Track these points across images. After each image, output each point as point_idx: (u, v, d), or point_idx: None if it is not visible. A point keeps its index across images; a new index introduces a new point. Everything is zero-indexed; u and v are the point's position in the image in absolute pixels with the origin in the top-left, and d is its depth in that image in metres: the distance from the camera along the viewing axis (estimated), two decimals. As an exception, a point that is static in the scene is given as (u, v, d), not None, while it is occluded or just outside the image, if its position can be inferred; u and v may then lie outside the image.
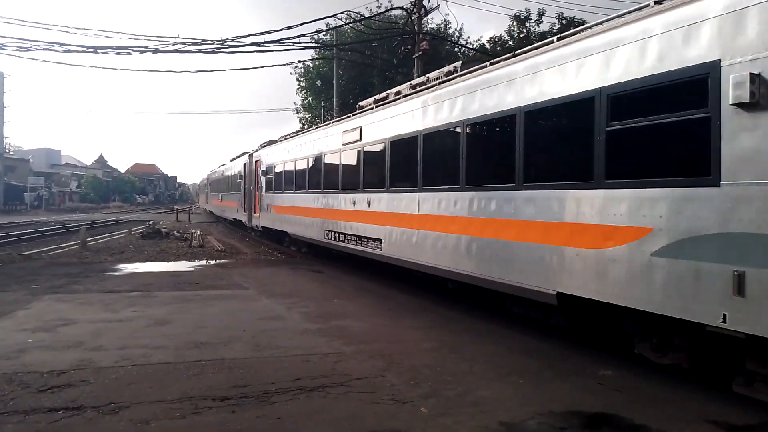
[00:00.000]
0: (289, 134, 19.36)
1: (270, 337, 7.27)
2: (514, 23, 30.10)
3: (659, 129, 5.23)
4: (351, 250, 12.20)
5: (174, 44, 19.10)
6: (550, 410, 4.84)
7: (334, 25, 28.12)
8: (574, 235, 6.17)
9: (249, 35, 28.80)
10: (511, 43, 28.47)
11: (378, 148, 11.23)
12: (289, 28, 19.73)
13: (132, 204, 78.76)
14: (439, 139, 9.21)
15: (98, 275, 12.69)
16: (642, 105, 5.46)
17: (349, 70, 32.23)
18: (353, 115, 13.15)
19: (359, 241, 11.68)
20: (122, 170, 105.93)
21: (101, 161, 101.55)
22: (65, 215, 45.88)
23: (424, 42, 20.42)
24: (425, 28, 23.96)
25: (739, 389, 5.10)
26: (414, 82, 11.50)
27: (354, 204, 11.98)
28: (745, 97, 4.43)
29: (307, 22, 25.70)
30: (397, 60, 29.55)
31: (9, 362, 5.93)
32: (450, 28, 33.11)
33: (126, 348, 6.56)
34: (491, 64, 8.25)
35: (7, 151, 72.97)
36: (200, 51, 19.66)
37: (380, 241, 10.70)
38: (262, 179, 20.68)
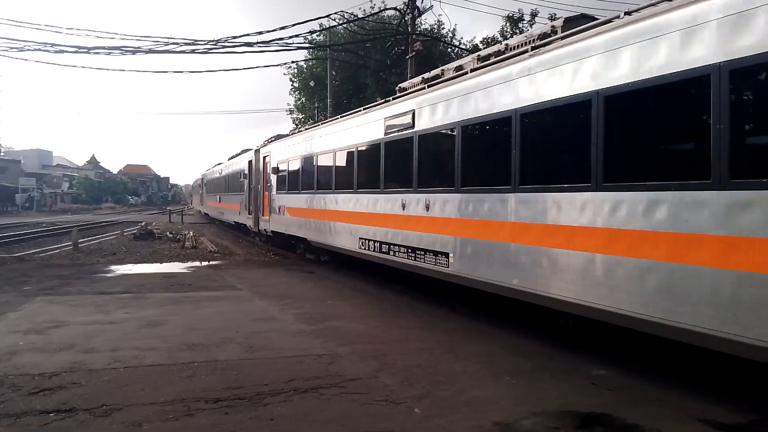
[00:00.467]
0: (306, 125, 17.78)
1: (263, 338, 7.25)
2: (507, 24, 30.19)
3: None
4: (399, 265, 10.02)
5: (167, 44, 19.04)
6: (543, 410, 4.85)
7: (327, 26, 28.12)
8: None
9: (242, 36, 28.79)
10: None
11: (443, 134, 8.99)
12: (283, 28, 19.81)
13: (124, 205, 78.33)
14: (556, 118, 6.78)
15: (90, 277, 12.62)
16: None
17: (343, 70, 32.22)
18: (399, 97, 11.01)
19: (411, 254, 9.54)
20: (114, 171, 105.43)
21: (93, 162, 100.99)
22: (57, 216, 45.61)
23: (418, 42, 20.43)
24: (418, 29, 23.96)
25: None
26: (489, 50, 9.20)
27: (404, 207, 9.73)
28: None
29: (300, 23, 25.84)
30: (390, 61, 29.56)
31: (0, 365, 5.88)
32: (443, 28, 33.17)
33: (118, 350, 6.53)
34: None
35: (-2, 152, 72.58)
36: (193, 51, 19.61)
37: (446, 255, 8.56)
38: (273, 178, 18.13)
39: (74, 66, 58.69)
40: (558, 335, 7.48)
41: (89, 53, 18.53)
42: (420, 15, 21.20)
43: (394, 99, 11.12)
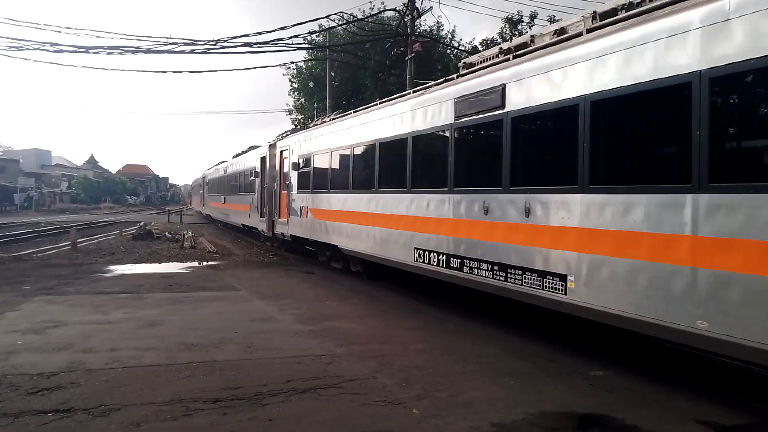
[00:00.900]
0: (336, 114, 14.96)
1: (262, 338, 7.25)
2: (507, 25, 30.20)
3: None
4: (476, 284, 7.99)
5: (166, 44, 19.03)
6: (541, 411, 4.86)
7: (327, 27, 28.12)
8: None
9: (241, 36, 28.81)
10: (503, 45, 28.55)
11: (556, 114, 6.77)
12: (282, 29, 19.74)
13: (123, 205, 78.28)
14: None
15: (89, 277, 12.61)
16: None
17: (342, 71, 32.22)
18: (467, 74, 8.88)
19: (498, 273, 7.46)
20: (113, 171, 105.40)
21: (92, 162, 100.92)
22: (56, 216, 45.56)
23: (417, 44, 20.44)
24: (418, 30, 23.98)
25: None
26: (605, 8, 6.92)
27: (486, 212, 7.66)
28: None
29: (299, 23, 25.91)
30: (389, 61, 29.57)
31: (-2, 364, 5.88)
32: (443, 30, 33.18)
33: (116, 350, 6.52)
34: None
35: (-4, 151, 72.52)
36: (192, 51, 19.58)
37: (560, 278, 6.47)
38: (293, 175, 15.87)
39: (73, 65, 58.82)
40: (557, 336, 7.49)
41: (88, 53, 18.52)
42: (419, 16, 21.21)
43: (460, 76, 9.06)
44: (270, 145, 18.92)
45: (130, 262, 15.55)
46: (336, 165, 13.28)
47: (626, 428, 4.60)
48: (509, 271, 7.29)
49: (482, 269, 7.81)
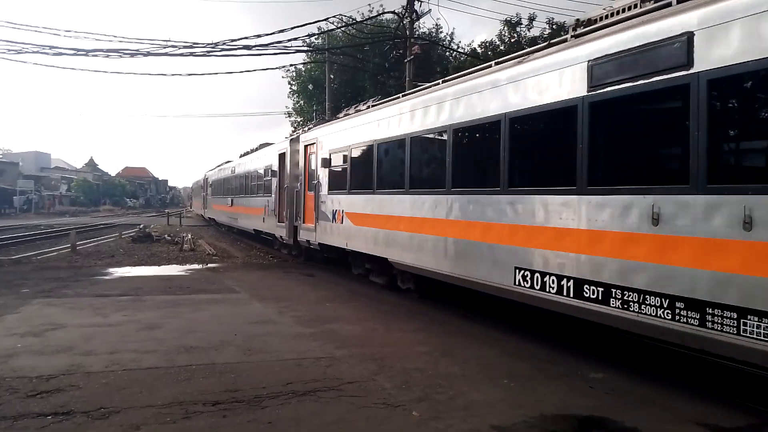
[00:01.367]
0: (380, 100, 12.58)
1: (261, 341, 7.25)
2: (505, 28, 30.24)
3: None
4: (637, 327, 5.59)
5: (165, 47, 19.09)
6: (541, 413, 4.85)
7: (326, 29, 28.16)
8: None
9: (241, 38, 28.84)
10: (502, 48, 28.60)
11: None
12: (281, 31, 19.74)
13: (123, 207, 78.20)
14: None
15: (88, 279, 12.60)
16: None
17: (341, 73, 32.29)
18: (594, 29, 6.57)
19: (686, 314, 5.05)
20: (113, 174, 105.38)
21: (91, 164, 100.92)
22: (55, 219, 45.55)
23: (416, 46, 20.48)
24: (417, 33, 24.02)
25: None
26: None
27: (656, 222, 5.33)
28: None
29: (299, 26, 26.14)
30: (388, 64, 29.65)
31: (-3, 367, 5.87)
32: (441, 32, 33.26)
33: (116, 352, 6.52)
34: None
35: (-4, 154, 72.49)
36: (192, 54, 19.64)
37: None
38: (322, 173, 13.64)
39: (73, 68, 59.08)
40: (557, 338, 7.48)
41: (88, 56, 18.61)
42: (418, 19, 21.26)
43: (579, 36, 6.71)
44: (291, 140, 16.53)
45: (130, 265, 15.54)
46: (385, 160, 10.88)
47: (626, 430, 4.59)
48: (710, 314, 4.82)
49: (650, 306, 5.33)
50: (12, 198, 58.06)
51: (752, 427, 4.77)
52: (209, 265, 15.98)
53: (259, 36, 19.55)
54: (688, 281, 5.00)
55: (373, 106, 12.21)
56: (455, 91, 8.59)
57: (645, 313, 5.40)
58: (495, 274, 7.46)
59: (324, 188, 13.60)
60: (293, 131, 34.88)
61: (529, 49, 7.98)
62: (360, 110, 12.89)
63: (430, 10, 20.79)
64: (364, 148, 11.67)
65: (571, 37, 6.87)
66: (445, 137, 8.70)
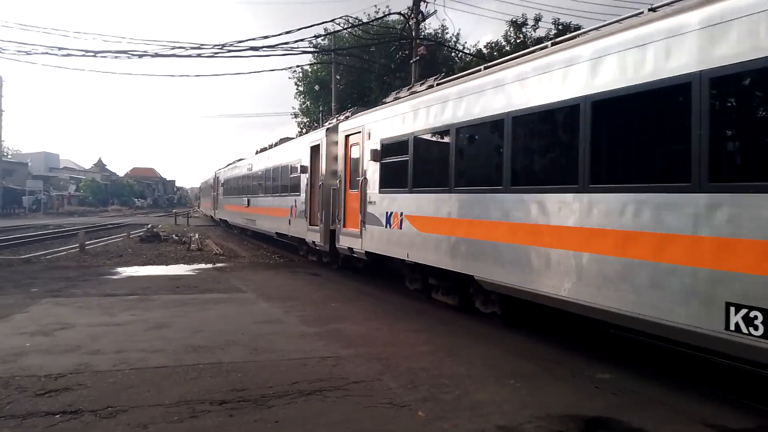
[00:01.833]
0: (441, 79, 10.44)
1: (268, 340, 7.27)
2: (511, 28, 30.19)
3: None
4: None
5: (173, 48, 19.27)
6: (547, 413, 4.85)
7: (332, 30, 28.22)
8: None
9: (248, 40, 28.95)
10: (507, 48, 28.56)
11: None
12: (288, 32, 19.79)
13: (131, 208, 78.63)
14: None
15: (96, 279, 12.68)
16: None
17: (347, 74, 32.35)
18: None
19: None
20: (121, 174, 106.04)
21: (100, 165, 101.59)
22: (64, 219, 45.84)
23: (422, 47, 20.50)
24: (423, 34, 24.03)
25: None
26: None
27: None
28: None
29: (305, 27, 25.92)
30: (394, 65, 29.67)
31: (6, 366, 5.92)
32: (447, 33, 33.25)
33: (124, 352, 6.56)
34: None
35: (5, 154, 73.11)
36: (199, 55, 19.78)
37: None
38: (371, 168, 11.47)
39: (81, 69, 59.34)
40: (563, 338, 7.47)
41: (96, 57, 18.78)
42: (424, 20, 21.30)
43: None
44: (328, 129, 14.29)
45: (138, 265, 15.63)
46: (468, 150, 8.62)
47: (633, 431, 4.58)
48: None
49: None
50: (21, 198, 58.46)
51: (760, 428, 4.74)
52: (216, 264, 16.04)
53: (265, 37, 19.65)
54: None
55: (444, 82, 9.91)
56: (596, 50, 6.19)
57: None
58: (681, 313, 5.10)
59: (373, 186, 11.37)
60: (300, 131, 34.92)
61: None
62: (416, 92, 10.75)
63: (436, 11, 20.84)
64: (435, 135, 9.39)
65: None
66: (578, 115, 6.31)
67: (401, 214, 10.19)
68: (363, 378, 5.73)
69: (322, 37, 29.57)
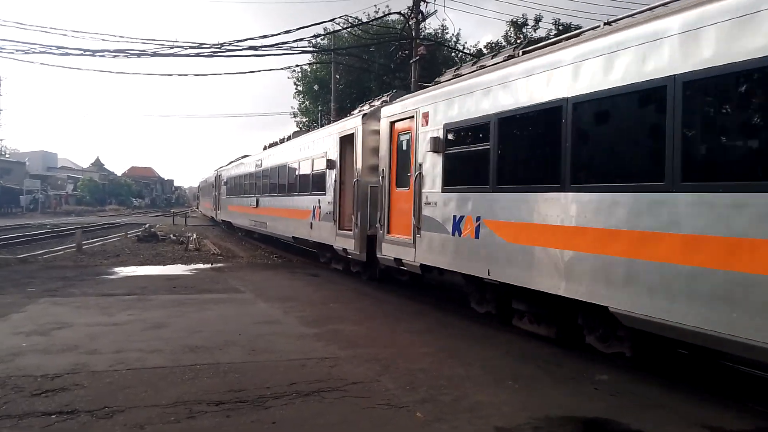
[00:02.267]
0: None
1: (266, 341, 7.25)
2: (511, 29, 30.23)
3: None
4: None
5: (172, 48, 19.15)
6: (546, 415, 4.83)
7: (331, 30, 28.22)
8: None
9: (247, 39, 28.94)
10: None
11: None
12: (287, 32, 19.75)
13: (128, 207, 78.46)
14: None
15: (94, 278, 12.64)
16: None
17: (347, 74, 32.32)
18: None
19: None
20: (119, 173, 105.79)
21: (98, 164, 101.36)
22: (61, 218, 45.74)
23: (422, 47, 20.47)
24: (422, 33, 24.01)
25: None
26: None
27: None
28: None
29: (304, 27, 25.96)
30: (394, 65, 29.66)
31: (2, 365, 5.89)
32: (447, 33, 33.25)
33: (121, 352, 6.53)
34: None
35: (3, 153, 72.98)
36: (198, 55, 19.71)
37: None
38: (429, 160, 9.26)
39: (79, 68, 59.09)
40: (563, 340, 7.45)
41: (94, 56, 18.70)
42: (424, 19, 21.26)
43: None
44: (365, 116, 12.01)
45: (135, 264, 15.59)
46: (594, 134, 6.55)
47: (632, 433, 4.56)
48: None
49: None
50: (18, 197, 58.31)
51: (758, 430, 4.73)
52: (214, 264, 16.01)
53: (265, 36, 19.65)
54: None
55: (535, 48, 7.94)
56: None
57: None
58: None
59: (433, 183, 9.09)
60: (299, 131, 34.82)
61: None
62: (485, 66, 8.76)
63: (436, 11, 20.74)
64: (536, 115, 7.08)
65: None
66: None
67: (477, 219, 7.96)
68: (361, 379, 5.71)
69: (322, 37, 29.55)
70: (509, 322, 8.10)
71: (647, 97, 5.67)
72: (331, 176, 13.51)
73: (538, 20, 29.63)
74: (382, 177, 10.88)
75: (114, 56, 18.72)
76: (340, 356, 6.56)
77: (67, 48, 20.98)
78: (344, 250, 12.51)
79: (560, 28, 28.39)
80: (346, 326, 8.25)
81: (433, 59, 27.28)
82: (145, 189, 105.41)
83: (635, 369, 6.28)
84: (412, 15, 20.84)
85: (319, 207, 14.34)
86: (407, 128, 10.16)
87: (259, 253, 20.03)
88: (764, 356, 4.55)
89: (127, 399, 5.00)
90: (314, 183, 14.96)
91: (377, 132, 11.47)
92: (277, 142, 21.13)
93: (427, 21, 22.47)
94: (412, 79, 20.04)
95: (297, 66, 40.02)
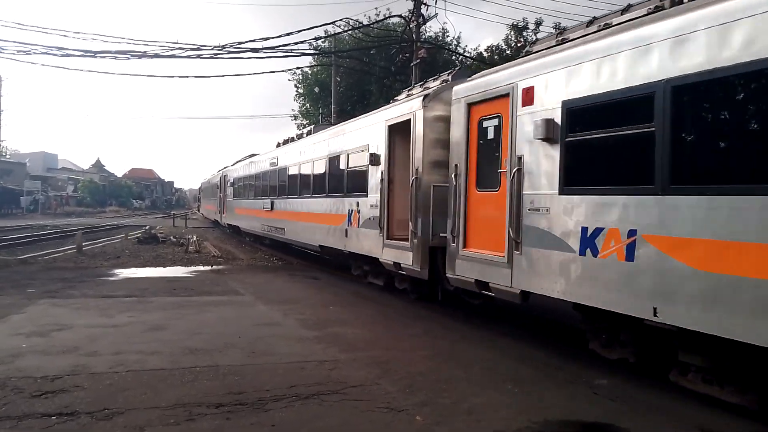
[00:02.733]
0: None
1: (266, 343, 7.25)
2: (512, 32, 30.26)
3: None
4: None
5: (173, 49, 19.20)
6: (545, 419, 4.84)
7: (332, 33, 28.26)
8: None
9: (248, 41, 29.01)
10: (508, 52, 28.60)
11: None
12: (288, 34, 19.80)
13: (129, 209, 78.47)
14: None
15: (94, 280, 12.65)
16: None
17: (347, 77, 32.36)
18: None
19: None
20: (119, 175, 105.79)
21: (98, 165, 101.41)
22: (61, 219, 45.75)
23: (422, 50, 20.53)
24: (423, 36, 24.08)
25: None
26: None
27: None
28: None
29: (305, 29, 25.89)
30: (394, 68, 29.70)
31: (2, 367, 5.90)
32: (448, 36, 33.31)
33: (121, 353, 6.54)
34: None
35: (3, 154, 72.98)
36: (199, 57, 19.76)
37: None
38: (536, 151, 6.97)
39: (80, 70, 59.41)
40: (561, 344, 7.46)
41: (95, 57, 18.72)
42: (425, 22, 21.33)
43: None
44: (426, 97, 9.58)
45: (135, 266, 15.59)
46: None
47: (631, 437, 4.57)
48: None
49: None
50: (19, 198, 58.31)
51: (758, 435, 4.74)
52: (214, 267, 16.01)
53: (266, 39, 19.67)
54: None
55: None
56: None
57: None
58: None
59: (542, 182, 6.84)
60: (300, 134, 34.80)
61: None
62: (610, 25, 6.72)
63: (437, 14, 20.80)
64: (756, 75, 4.79)
65: None
66: None
67: (631, 233, 5.68)
68: (361, 382, 5.72)
69: (323, 39, 29.60)
70: (654, 372, 6.20)
71: None
72: (375, 174, 11.23)
73: (538, 24, 29.67)
74: (455, 175, 8.49)
75: (115, 57, 18.80)
76: (340, 359, 6.57)
77: (68, 49, 21.02)
78: (395, 264, 10.23)
79: (562, 31, 28.40)
80: (346, 329, 8.25)
81: (434, 62, 27.33)
82: (145, 191, 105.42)
83: (634, 373, 6.29)
84: (413, 18, 20.90)
85: (358, 211, 12.10)
86: (495, 111, 7.87)
87: (259, 255, 20.03)
88: None
89: (126, 401, 5.01)
90: (350, 182, 12.71)
91: (443, 118, 9.31)
92: (293, 138, 19.22)
93: (428, 24, 22.53)
94: (413, 82, 20.08)
95: (298, 68, 40.03)
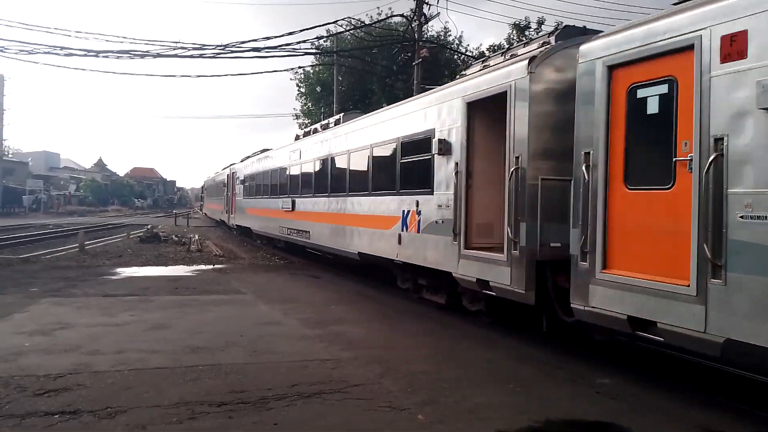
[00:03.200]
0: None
1: (267, 342, 7.26)
2: (514, 31, 30.23)
3: None
4: None
5: (175, 49, 19.20)
6: (546, 418, 4.84)
7: (334, 32, 28.26)
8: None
9: (250, 41, 29.04)
10: (510, 51, 28.55)
11: None
12: (290, 34, 19.82)
13: (131, 208, 78.66)
14: None
15: (96, 279, 12.67)
16: None
17: (349, 76, 32.36)
18: None
19: None
20: (121, 174, 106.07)
21: (100, 165, 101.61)
22: (64, 218, 45.83)
23: (424, 49, 20.52)
24: (425, 36, 24.06)
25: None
26: None
27: None
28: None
29: (307, 29, 25.97)
30: (396, 67, 29.69)
31: (5, 365, 5.92)
32: (450, 35, 33.28)
33: (123, 352, 6.55)
34: None
35: (6, 153, 73.06)
36: (201, 56, 19.77)
37: None
38: (750, 129, 4.54)
39: (83, 69, 59.43)
40: (563, 343, 7.46)
41: (98, 57, 18.75)
42: (426, 22, 21.28)
43: None
44: (532, 60, 7.15)
45: (137, 265, 15.61)
46: None
47: (632, 436, 4.57)
48: None
49: None
50: (21, 197, 58.44)
51: (760, 435, 4.73)
52: (216, 266, 16.02)
53: (268, 38, 19.67)
54: None
55: None
56: None
57: None
58: None
59: (765, 175, 4.49)
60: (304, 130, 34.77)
61: None
62: None
63: (438, 13, 20.77)
64: None
65: None
66: None
67: None
68: (363, 381, 5.72)
69: (325, 39, 29.60)
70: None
71: None
72: (446, 166, 8.99)
73: (540, 23, 29.64)
74: (587, 167, 6.14)
75: (117, 57, 18.80)
76: (342, 358, 6.57)
77: (71, 48, 21.15)
78: (479, 282, 7.94)
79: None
80: (348, 328, 8.26)
81: (436, 61, 27.31)
82: (147, 190, 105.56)
83: (636, 372, 6.29)
84: (415, 17, 20.88)
85: (417, 212, 9.81)
86: (663, 73, 5.51)
87: (260, 254, 20.05)
88: None
89: (129, 399, 5.02)
90: (406, 177, 10.44)
91: (554, 92, 7.17)
92: (317, 129, 16.58)
93: (430, 23, 22.51)
94: (415, 82, 20.08)
95: (300, 68, 40.01)
